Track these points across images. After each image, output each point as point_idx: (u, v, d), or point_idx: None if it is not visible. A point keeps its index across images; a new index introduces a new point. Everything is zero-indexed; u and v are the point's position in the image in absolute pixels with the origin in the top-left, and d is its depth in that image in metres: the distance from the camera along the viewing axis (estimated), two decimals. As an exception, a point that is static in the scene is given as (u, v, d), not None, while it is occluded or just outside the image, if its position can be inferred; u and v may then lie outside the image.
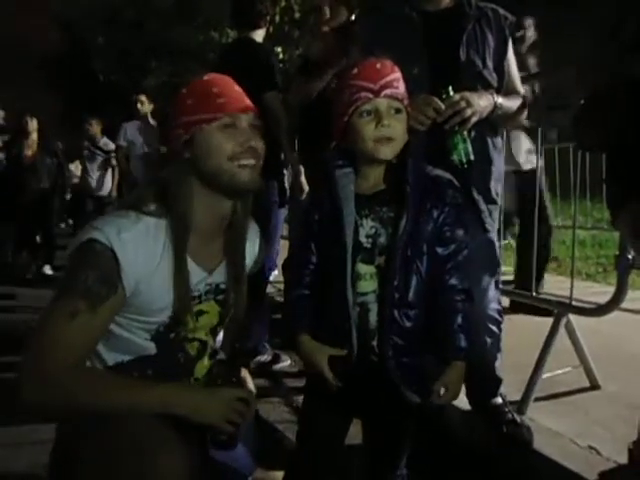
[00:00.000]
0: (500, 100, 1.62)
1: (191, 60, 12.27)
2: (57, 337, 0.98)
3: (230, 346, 1.14)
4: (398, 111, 1.18)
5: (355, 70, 1.19)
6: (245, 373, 1.18)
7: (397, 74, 1.19)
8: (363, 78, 1.17)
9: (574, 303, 2.17)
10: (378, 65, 1.18)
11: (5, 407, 2.00)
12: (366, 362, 1.20)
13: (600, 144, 1.53)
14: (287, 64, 9.99)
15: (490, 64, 1.65)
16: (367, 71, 1.18)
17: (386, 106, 1.16)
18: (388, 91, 1.16)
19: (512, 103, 1.71)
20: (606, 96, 1.41)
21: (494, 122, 1.69)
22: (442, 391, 1.17)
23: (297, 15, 10.58)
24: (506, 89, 1.70)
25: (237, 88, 1.13)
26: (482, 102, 1.55)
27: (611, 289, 2.06)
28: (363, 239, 1.18)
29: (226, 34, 11.47)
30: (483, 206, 1.69)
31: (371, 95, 1.15)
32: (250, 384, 1.16)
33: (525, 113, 1.80)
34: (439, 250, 1.19)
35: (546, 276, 4.13)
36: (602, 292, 2.70)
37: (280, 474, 1.39)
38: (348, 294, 1.16)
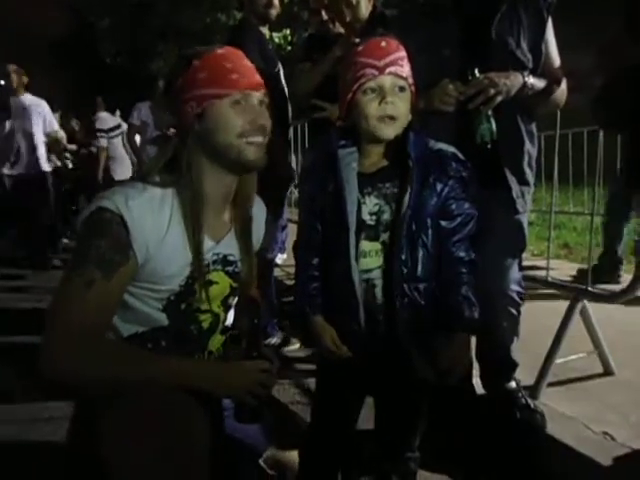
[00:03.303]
0: (531, 80, 1.55)
1: (197, 42, 12.17)
2: (75, 308, 0.97)
3: (249, 322, 1.14)
4: (402, 89, 1.18)
5: (361, 48, 1.19)
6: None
7: (402, 53, 1.19)
8: (368, 55, 1.17)
9: (590, 289, 2.14)
10: (383, 43, 1.18)
11: (18, 385, 2.03)
12: (376, 338, 1.21)
13: (615, 124, 1.51)
14: (296, 46, 9.88)
15: (524, 45, 1.58)
16: (372, 49, 1.17)
17: (390, 84, 1.16)
18: (392, 69, 1.16)
19: (547, 85, 1.62)
20: (622, 79, 1.38)
21: (528, 105, 1.63)
22: (449, 364, 1.18)
23: (306, -4, 10.43)
24: (544, 71, 1.63)
25: (248, 63, 1.14)
26: (508, 81, 1.50)
27: (622, 276, 2.02)
28: (366, 217, 1.19)
29: (233, 16, 11.34)
30: (516, 187, 1.65)
31: (376, 72, 1.15)
32: (271, 357, 1.15)
33: (564, 97, 1.70)
34: (444, 224, 1.19)
35: (557, 263, 4.10)
36: (615, 279, 2.68)
37: (293, 452, 1.40)
38: (353, 272, 1.17)
